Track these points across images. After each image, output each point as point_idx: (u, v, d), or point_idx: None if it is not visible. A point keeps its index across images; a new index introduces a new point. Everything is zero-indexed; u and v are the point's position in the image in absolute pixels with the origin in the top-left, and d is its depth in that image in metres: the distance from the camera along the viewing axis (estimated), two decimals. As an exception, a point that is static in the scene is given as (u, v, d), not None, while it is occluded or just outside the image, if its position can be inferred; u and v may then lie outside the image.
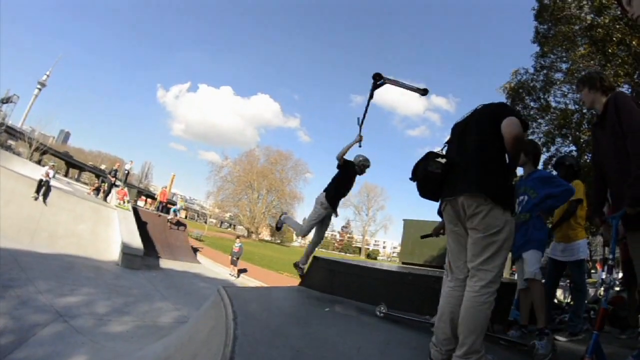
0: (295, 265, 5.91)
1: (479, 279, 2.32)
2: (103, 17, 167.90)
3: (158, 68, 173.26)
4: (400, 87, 5.42)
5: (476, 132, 2.59)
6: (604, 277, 2.52)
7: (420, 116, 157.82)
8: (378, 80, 5.33)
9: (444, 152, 2.78)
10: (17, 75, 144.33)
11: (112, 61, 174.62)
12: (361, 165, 5.90)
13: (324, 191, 5.69)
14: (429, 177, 2.57)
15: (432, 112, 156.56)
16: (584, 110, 13.95)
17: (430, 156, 2.60)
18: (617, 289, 5.42)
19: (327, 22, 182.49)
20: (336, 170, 5.73)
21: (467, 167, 2.49)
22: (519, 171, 3.96)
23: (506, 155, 2.50)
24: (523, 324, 3.79)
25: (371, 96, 5.44)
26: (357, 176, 5.98)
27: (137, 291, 11.97)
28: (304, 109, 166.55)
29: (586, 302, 4.80)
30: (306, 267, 5.95)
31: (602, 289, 2.69)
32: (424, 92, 5.44)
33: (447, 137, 2.91)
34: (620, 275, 4.76)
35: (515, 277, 4.89)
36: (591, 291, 6.84)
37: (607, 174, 2.83)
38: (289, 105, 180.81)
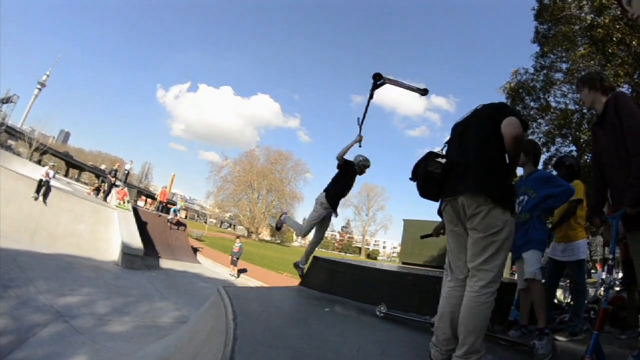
0: (295, 265, 5.87)
1: (479, 279, 2.31)
2: (103, 17, 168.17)
3: (158, 68, 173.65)
4: (400, 87, 5.43)
5: (476, 132, 2.58)
6: (604, 277, 2.52)
7: (420, 116, 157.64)
8: (378, 80, 5.33)
9: (444, 152, 2.77)
10: (17, 75, 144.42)
11: (112, 61, 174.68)
12: (361, 165, 5.86)
13: (324, 191, 5.66)
14: (430, 177, 2.56)
15: (432, 112, 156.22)
16: (584, 111, 13.90)
17: (431, 156, 2.60)
18: (617, 289, 5.42)
19: (327, 22, 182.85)
20: (336, 170, 5.73)
21: (467, 167, 2.48)
22: (519, 171, 3.96)
23: (506, 156, 2.49)
24: (523, 324, 3.78)
25: (371, 96, 5.44)
26: (357, 176, 5.95)
27: (137, 291, 11.99)
28: (304, 109, 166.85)
29: (586, 302, 4.79)
30: (306, 267, 5.94)
31: (602, 289, 2.68)
32: (423, 92, 5.45)
33: (448, 137, 2.90)
34: (620, 275, 4.74)
35: (515, 277, 4.88)
36: (591, 291, 6.83)
37: (607, 174, 2.83)
38: (289, 105, 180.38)
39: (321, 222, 5.73)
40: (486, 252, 2.32)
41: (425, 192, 2.68)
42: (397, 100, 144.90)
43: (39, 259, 11.56)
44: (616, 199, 2.77)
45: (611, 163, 2.74)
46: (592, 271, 15.27)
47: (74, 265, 12.42)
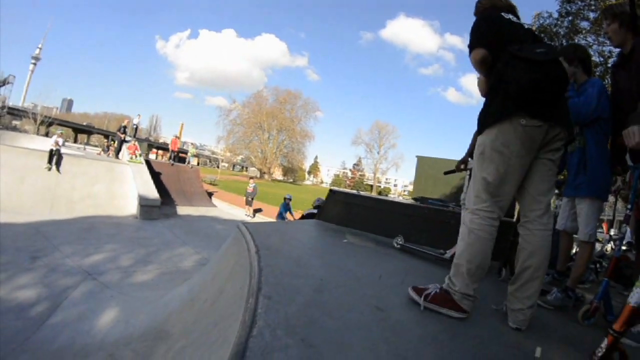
0: None
1: (550, 215, 2.16)
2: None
3: (154, 19, 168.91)
4: None
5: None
6: (613, 232, 2.48)
7: (433, 55, 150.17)
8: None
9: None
10: (9, 55, 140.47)
11: (104, 21, 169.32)
12: None
13: None
14: (561, 85, 2.03)
15: (446, 51, 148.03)
16: (609, 65, 13.24)
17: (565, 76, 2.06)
18: (624, 247, 5.38)
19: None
20: None
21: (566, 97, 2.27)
22: None
23: None
24: (560, 270, 3.48)
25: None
26: None
27: (158, 240, 12.26)
28: (312, 47, 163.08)
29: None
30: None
31: (613, 242, 2.65)
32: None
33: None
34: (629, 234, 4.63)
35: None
36: (597, 247, 6.97)
37: (626, 118, 2.67)
38: (296, 44, 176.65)
39: None
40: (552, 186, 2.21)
41: (542, 96, 1.97)
42: (409, 38, 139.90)
43: (61, 226, 11.79)
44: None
45: (632, 108, 2.57)
46: (599, 230, 15.25)
47: (94, 225, 12.66)
